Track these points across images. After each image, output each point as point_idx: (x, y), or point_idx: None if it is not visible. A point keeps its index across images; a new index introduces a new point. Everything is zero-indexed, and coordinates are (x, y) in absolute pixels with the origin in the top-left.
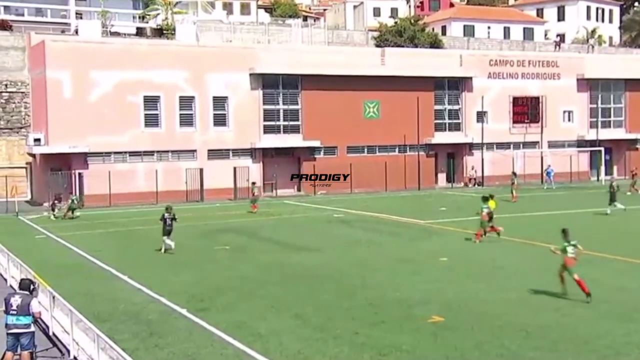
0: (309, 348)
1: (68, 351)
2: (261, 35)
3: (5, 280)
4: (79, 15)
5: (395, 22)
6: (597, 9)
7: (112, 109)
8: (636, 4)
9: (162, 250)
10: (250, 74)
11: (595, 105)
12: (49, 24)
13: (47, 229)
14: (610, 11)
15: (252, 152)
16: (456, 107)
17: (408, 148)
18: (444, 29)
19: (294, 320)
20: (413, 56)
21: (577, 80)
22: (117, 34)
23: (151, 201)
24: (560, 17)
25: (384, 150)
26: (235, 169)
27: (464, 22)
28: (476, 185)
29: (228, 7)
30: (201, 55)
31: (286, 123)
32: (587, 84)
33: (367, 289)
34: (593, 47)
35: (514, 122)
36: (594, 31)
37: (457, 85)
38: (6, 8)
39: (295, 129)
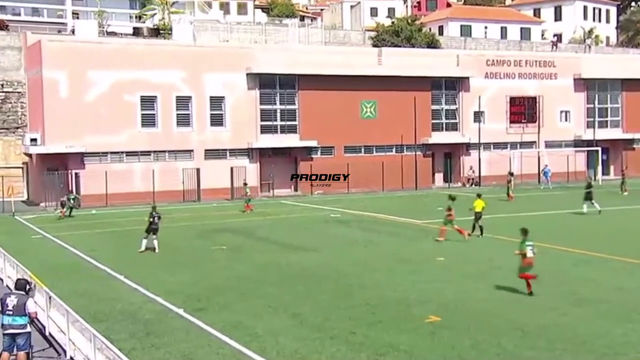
0: (306, 348)
1: (64, 351)
2: (258, 35)
3: (2, 280)
4: (75, 15)
5: (393, 22)
6: (594, 9)
7: (108, 109)
8: (633, 4)
9: (143, 248)
10: (247, 74)
11: (592, 105)
12: (46, 23)
13: (43, 229)
14: (607, 11)
15: (249, 152)
16: (453, 107)
17: (405, 148)
18: (441, 29)
19: (291, 320)
20: (410, 56)
21: (574, 80)
22: (113, 33)
23: (148, 201)
24: (557, 17)
25: (381, 150)
26: (232, 169)
27: (461, 22)
28: (473, 185)
29: (225, 7)
30: (198, 55)
31: (283, 123)
32: (584, 84)
33: (365, 288)
34: (590, 47)
35: (511, 122)
36: (590, 31)
37: (454, 85)
38: (2, 8)
39: (292, 129)
